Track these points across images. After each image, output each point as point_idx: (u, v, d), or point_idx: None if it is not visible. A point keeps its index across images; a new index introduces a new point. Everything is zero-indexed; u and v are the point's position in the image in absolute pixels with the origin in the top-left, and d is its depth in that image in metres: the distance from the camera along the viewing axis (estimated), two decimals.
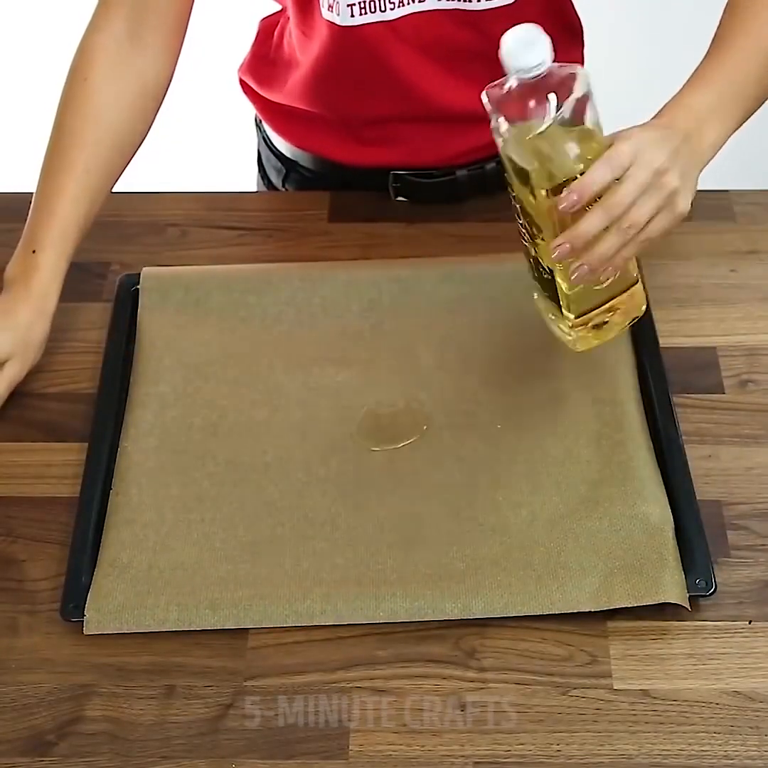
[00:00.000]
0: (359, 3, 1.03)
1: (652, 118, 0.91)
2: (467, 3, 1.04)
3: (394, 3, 1.03)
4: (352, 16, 1.03)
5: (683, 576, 0.86)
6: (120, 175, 1.08)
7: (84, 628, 0.85)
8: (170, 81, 1.10)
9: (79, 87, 1.04)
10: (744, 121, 0.97)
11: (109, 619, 0.85)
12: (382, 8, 1.03)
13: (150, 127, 1.09)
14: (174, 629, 0.85)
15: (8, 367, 0.99)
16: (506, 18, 1.05)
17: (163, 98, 1.09)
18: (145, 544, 0.90)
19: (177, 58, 1.09)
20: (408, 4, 1.03)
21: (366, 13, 1.03)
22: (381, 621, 0.85)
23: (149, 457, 0.96)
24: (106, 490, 0.94)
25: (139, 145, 1.08)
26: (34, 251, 1.02)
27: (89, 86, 1.04)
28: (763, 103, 0.98)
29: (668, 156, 0.85)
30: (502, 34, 1.06)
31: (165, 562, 0.89)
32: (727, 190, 1.19)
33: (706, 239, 1.15)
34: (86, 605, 0.86)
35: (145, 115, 1.08)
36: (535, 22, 1.08)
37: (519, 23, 1.05)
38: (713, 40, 0.99)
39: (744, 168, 1.82)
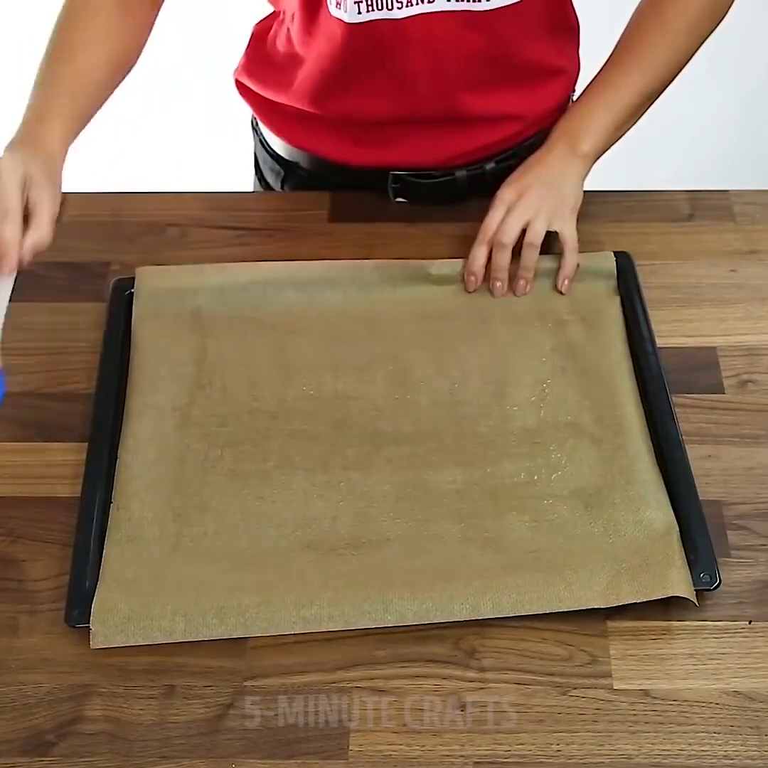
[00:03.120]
0: (366, 0, 1.03)
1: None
2: (476, 3, 1.04)
3: (401, 2, 1.03)
4: (359, 13, 1.03)
5: (689, 573, 0.86)
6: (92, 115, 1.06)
7: (91, 643, 0.85)
8: (141, 52, 1.11)
9: (68, 46, 1.04)
10: (620, 136, 1.12)
11: (115, 632, 0.85)
12: (389, 6, 1.03)
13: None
14: (181, 640, 0.85)
15: (38, 193, 0.90)
16: (512, 18, 1.06)
17: (132, 68, 1.10)
18: (150, 560, 0.89)
19: (151, 31, 1.11)
20: (416, 4, 1.03)
21: (373, 10, 1.03)
22: (390, 625, 0.85)
23: (149, 470, 0.95)
24: (107, 491, 0.94)
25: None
26: (39, 122, 0.97)
27: (77, 47, 1.04)
28: (637, 119, 1.13)
29: (525, 188, 1.07)
30: (508, 36, 1.07)
31: (170, 575, 0.88)
32: (727, 190, 1.19)
33: (706, 239, 1.15)
34: (91, 619, 0.85)
35: (116, 82, 1.08)
36: (538, 21, 1.09)
37: (525, 24, 1.07)
38: (613, 55, 1.11)
39: (744, 168, 1.83)
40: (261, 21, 1.22)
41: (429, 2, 1.03)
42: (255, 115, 1.27)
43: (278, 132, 1.24)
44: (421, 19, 1.04)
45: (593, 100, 1.10)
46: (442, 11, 1.04)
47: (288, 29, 1.14)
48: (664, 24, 1.08)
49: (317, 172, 1.23)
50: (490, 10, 1.04)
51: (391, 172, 1.18)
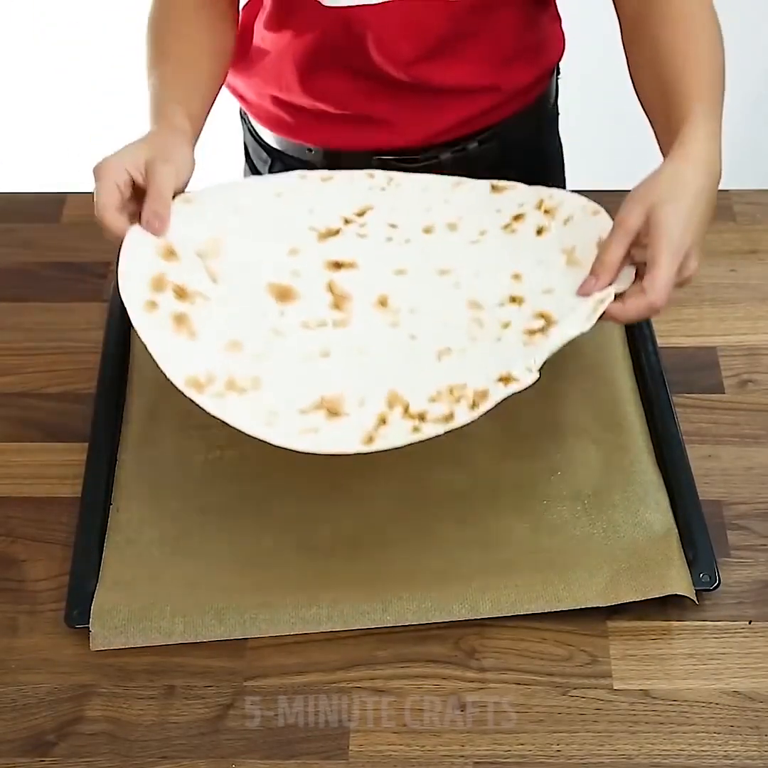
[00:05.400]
0: None
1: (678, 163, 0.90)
2: None
3: None
4: None
5: (689, 573, 0.86)
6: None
7: (90, 644, 0.85)
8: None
9: (174, 38, 1.04)
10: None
11: (114, 634, 0.85)
12: None
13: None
14: (180, 641, 0.85)
15: (159, 168, 0.90)
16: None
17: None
18: (149, 562, 0.89)
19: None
20: None
21: None
22: (389, 625, 0.85)
23: (148, 470, 0.95)
24: (107, 491, 0.94)
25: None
26: (164, 116, 0.96)
27: (182, 40, 1.04)
28: None
29: (686, 238, 0.89)
30: (487, 24, 1.05)
31: (169, 576, 0.88)
32: (727, 190, 1.19)
33: (706, 239, 1.14)
34: (91, 621, 0.85)
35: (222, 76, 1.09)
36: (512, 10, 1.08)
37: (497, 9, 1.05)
38: (669, 68, 0.96)
39: (744, 168, 1.83)
40: (243, 7, 1.22)
41: None
42: (241, 105, 1.27)
43: (261, 120, 1.24)
44: (395, 5, 1.04)
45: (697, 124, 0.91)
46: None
47: (266, 15, 1.14)
48: (689, 34, 0.97)
49: (303, 158, 1.23)
50: None
51: (375, 157, 1.18)
